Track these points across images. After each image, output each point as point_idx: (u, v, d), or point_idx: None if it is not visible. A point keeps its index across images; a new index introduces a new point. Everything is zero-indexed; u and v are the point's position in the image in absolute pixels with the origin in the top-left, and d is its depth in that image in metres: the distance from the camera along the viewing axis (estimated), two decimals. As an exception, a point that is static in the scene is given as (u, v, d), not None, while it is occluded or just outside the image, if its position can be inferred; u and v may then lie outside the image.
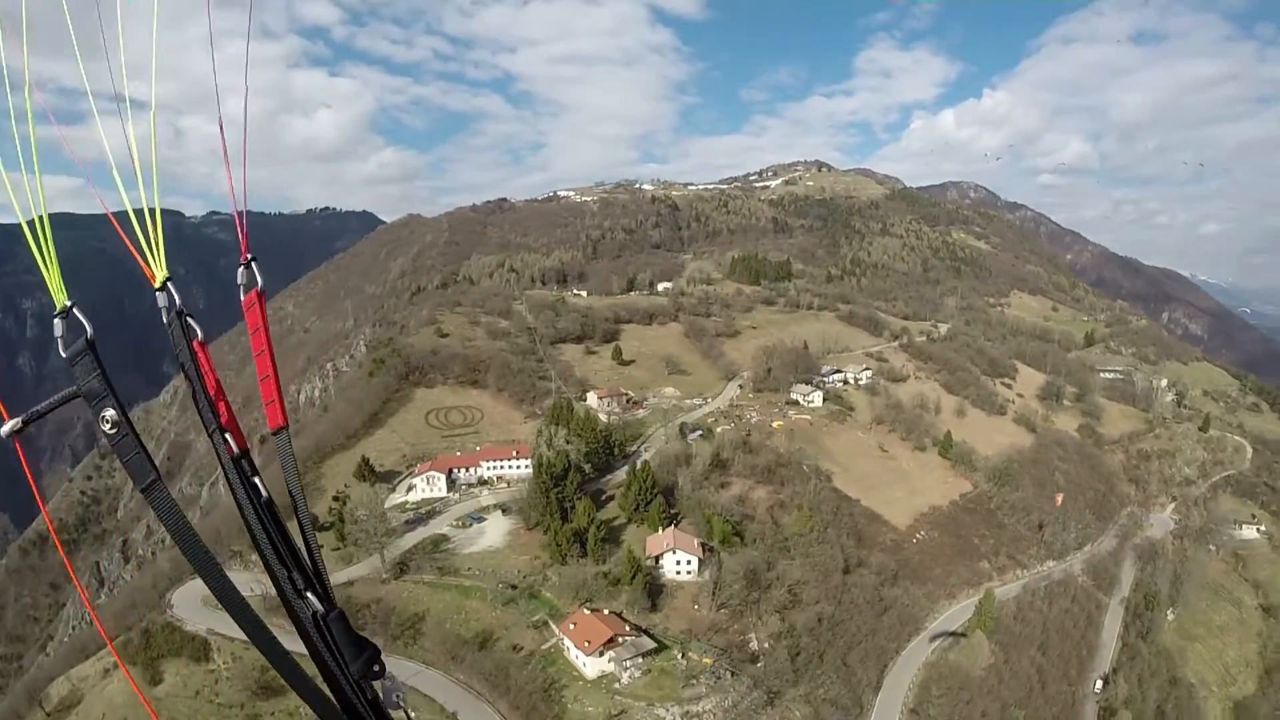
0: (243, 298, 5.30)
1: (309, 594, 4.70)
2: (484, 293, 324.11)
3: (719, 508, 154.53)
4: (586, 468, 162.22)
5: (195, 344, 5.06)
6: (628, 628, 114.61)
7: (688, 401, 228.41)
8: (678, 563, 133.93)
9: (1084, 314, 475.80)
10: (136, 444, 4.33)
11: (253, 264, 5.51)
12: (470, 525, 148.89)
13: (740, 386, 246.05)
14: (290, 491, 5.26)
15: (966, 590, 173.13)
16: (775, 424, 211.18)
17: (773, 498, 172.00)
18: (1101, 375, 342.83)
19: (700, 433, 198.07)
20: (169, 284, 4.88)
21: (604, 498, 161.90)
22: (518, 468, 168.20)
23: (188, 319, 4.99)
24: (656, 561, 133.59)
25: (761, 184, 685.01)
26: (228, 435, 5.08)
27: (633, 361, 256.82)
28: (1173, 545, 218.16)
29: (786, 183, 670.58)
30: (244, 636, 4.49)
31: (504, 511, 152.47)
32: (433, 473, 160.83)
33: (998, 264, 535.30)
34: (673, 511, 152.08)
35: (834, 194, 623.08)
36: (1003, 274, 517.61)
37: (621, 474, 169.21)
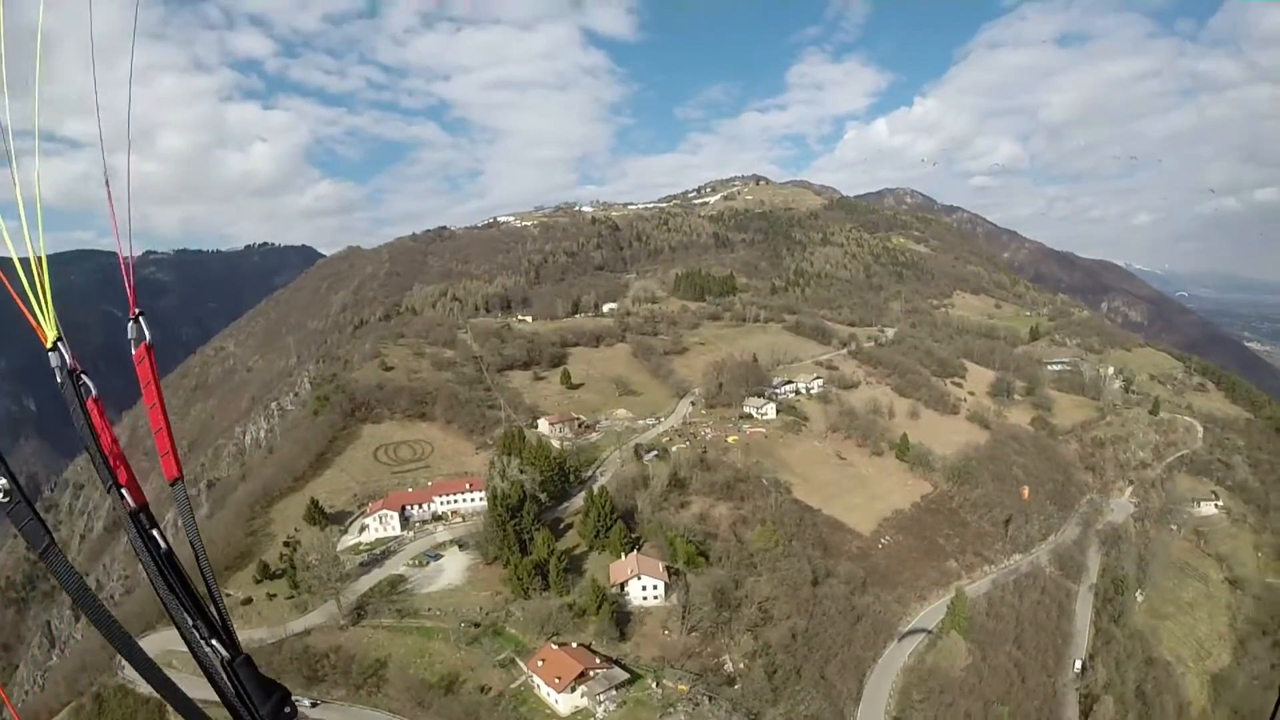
0: (133, 352, 5.33)
1: (214, 641, 4.81)
2: (427, 323, 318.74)
3: (681, 529, 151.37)
4: (542, 496, 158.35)
5: (90, 402, 5.06)
6: (598, 660, 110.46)
7: (640, 422, 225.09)
8: (644, 588, 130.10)
9: (1026, 309, 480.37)
10: (29, 511, 4.44)
11: (140, 319, 5.46)
12: (427, 564, 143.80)
13: (692, 404, 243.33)
14: (190, 542, 5.43)
15: (937, 591, 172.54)
16: (730, 439, 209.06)
17: (734, 514, 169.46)
18: (1049, 368, 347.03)
19: (655, 453, 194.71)
20: (60, 344, 4.80)
21: (562, 526, 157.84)
22: (472, 500, 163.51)
23: (81, 377, 4.98)
24: (622, 589, 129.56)
25: (700, 200, 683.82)
26: (124, 491, 5.18)
27: (582, 385, 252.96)
28: (1135, 528, 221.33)
29: (725, 198, 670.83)
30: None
31: (461, 547, 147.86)
32: (385, 511, 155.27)
33: (939, 266, 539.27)
34: (634, 536, 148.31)
35: (773, 206, 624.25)
36: (944, 276, 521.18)
37: (579, 501, 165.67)
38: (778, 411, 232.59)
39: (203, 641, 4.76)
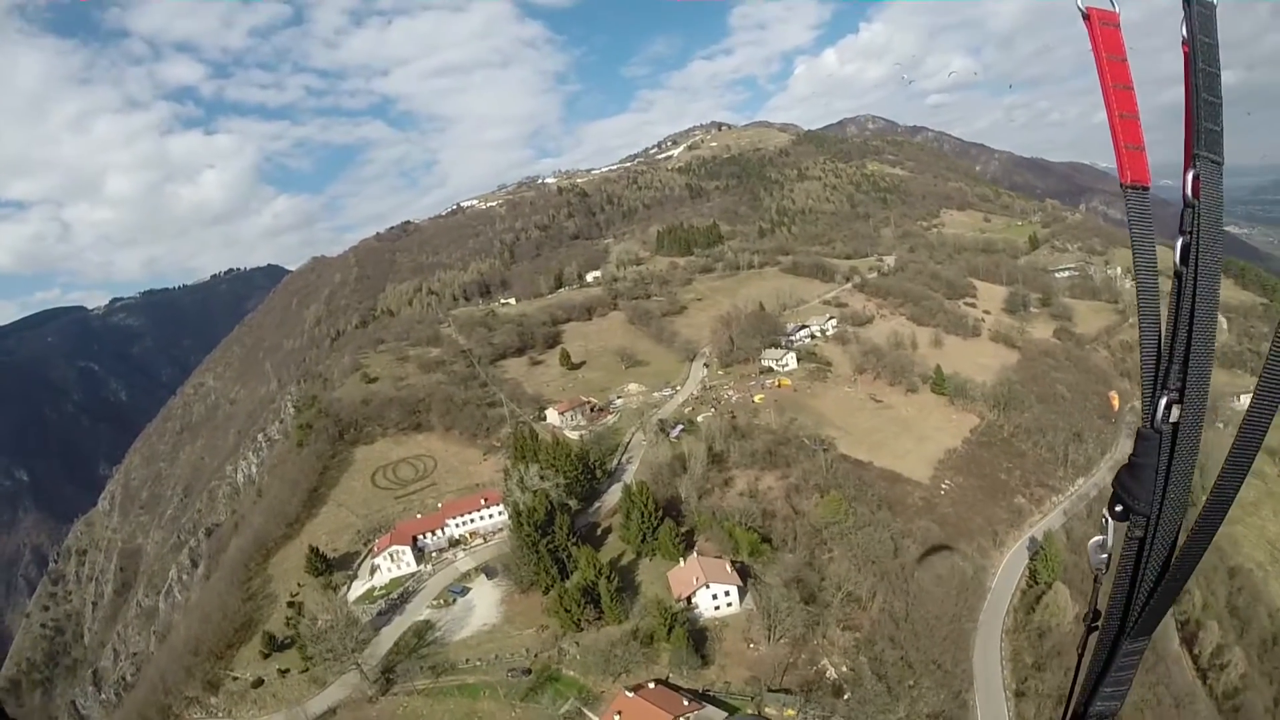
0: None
1: None
2: (406, 323, 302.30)
3: (735, 513, 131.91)
4: (572, 502, 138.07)
5: None
6: (685, 701, 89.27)
7: (656, 395, 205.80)
8: (714, 597, 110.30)
9: (1016, 219, 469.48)
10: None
11: None
12: (454, 601, 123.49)
13: (706, 365, 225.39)
14: None
15: (1012, 534, 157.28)
16: (757, 398, 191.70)
17: (783, 484, 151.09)
18: (1058, 275, 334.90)
19: (681, 427, 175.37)
20: None
21: (600, 532, 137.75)
22: (490, 517, 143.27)
23: None
24: (688, 603, 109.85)
25: (663, 155, 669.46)
26: None
27: (583, 363, 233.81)
28: None
29: (690, 148, 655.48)
30: None
31: (488, 575, 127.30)
32: (395, 547, 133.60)
33: (919, 187, 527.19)
34: (683, 530, 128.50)
35: (740, 150, 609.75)
36: (927, 196, 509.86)
37: (611, 498, 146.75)
38: (798, 360, 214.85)
39: None
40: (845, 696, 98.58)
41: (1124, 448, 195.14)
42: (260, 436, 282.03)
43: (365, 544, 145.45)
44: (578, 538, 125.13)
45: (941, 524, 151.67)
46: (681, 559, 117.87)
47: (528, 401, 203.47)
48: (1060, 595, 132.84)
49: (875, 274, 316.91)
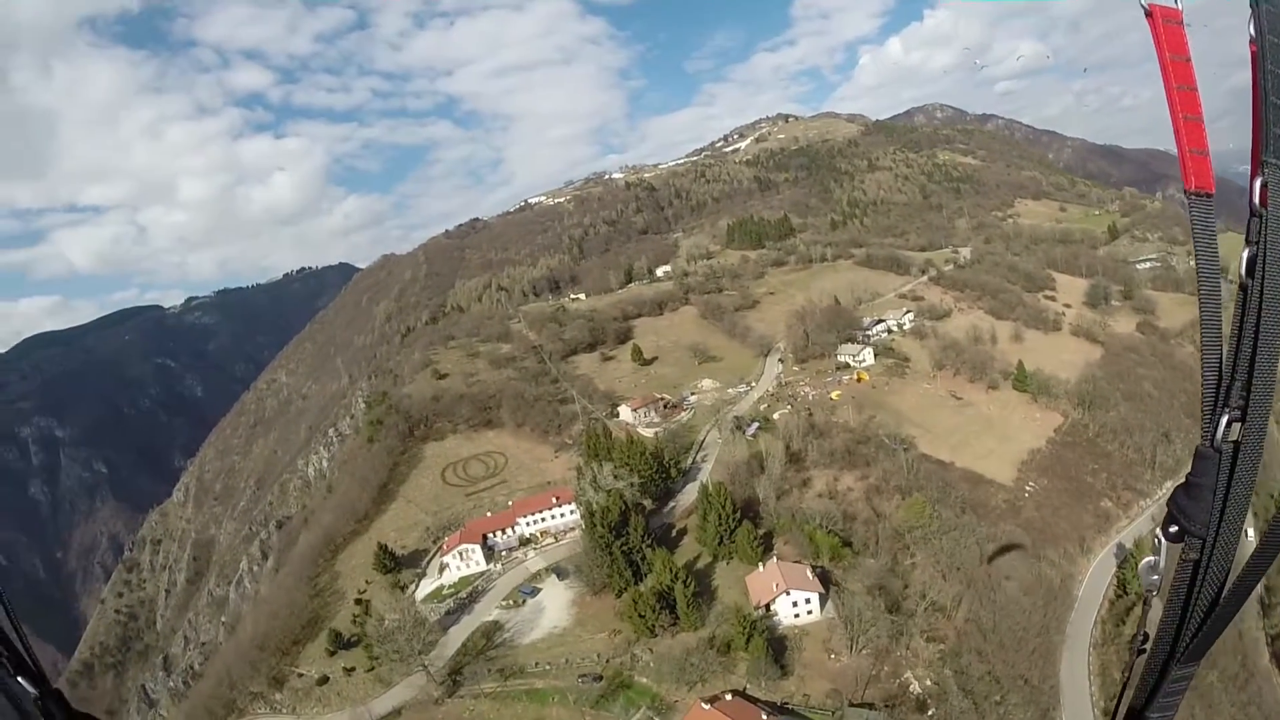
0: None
1: (20, 678, 4.17)
2: (476, 319, 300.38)
3: (815, 516, 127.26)
4: (646, 502, 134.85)
5: None
6: (764, 714, 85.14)
7: (730, 391, 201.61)
8: (794, 604, 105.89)
9: (1093, 208, 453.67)
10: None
11: None
12: (524, 602, 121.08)
13: (780, 360, 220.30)
14: None
15: (1099, 539, 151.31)
16: (834, 395, 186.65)
17: (863, 484, 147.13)
18: (1138, 267, 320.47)
19: (757, 425, 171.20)
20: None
21: (674, 533, 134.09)
22: (561, 516, 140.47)
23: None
24: (767, 610, 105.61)
25: (730, 149, 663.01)
26: None
27: (655, 359, 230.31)
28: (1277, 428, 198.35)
29: (756, 140, 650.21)
30: None
31: (559, 576, 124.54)
32: (464, 546, 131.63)
33: (992, 176, 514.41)
34: (761, 533, 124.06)
35: (808, 141, 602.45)
36: (1001, 185, 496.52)
37: (686, 497, 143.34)
38: (875, 356, 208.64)
39: (9, 678, 4.04)
40: (930, 713, 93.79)
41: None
42: (331, 431, 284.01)
43: (434, 541, 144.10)
44: (652, 539, 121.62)
45: (1026, 528, 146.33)
46: (760, 563, 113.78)
47: (600, 398, 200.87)
48: (1154, 608, 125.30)
49: (951, 266, 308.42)
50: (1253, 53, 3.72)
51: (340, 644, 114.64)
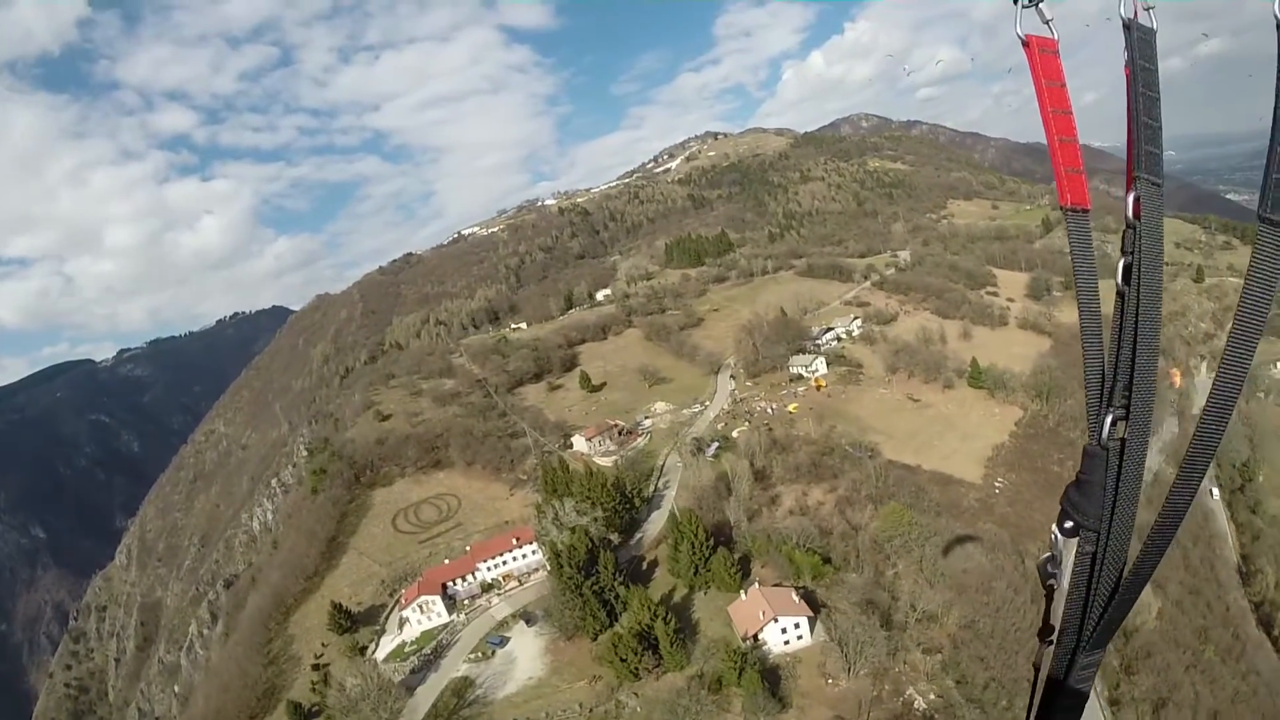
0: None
1: None
2: (416, 355, 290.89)
3: (792, 534, 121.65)
4: (613, 537, 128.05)
5: None
6: None
7: (684, 412, 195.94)
8: (783, 631, 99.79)
9: (1024, 204, 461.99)
10: None
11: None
12: (493, 653, 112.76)
13: (732, 377, 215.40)
14: None
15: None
16: (790, 408, 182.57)
17: (832, 496, 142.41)
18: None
19: (717, 445, 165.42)
20: None
21: (645, 566, 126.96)
22: (524, 557, 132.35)
23: None
24: (755, 640, 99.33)
25: (661, 169, 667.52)
26: None
27: (604, 385, 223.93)
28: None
29: (687, 159, 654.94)
30: None
31: (528, 622, 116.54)
32: (424, 597, 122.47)
33: (923, 180, 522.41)
34: (735, 557, 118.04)
35: (739, 156, 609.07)
36: (932, 188, 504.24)
37: (651, 526, 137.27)
38: (828, 364, 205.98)
39: None
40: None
41: (1171, 428, 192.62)
42: (274, 482, 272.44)
43: (391, 595, 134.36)
44: (624, 576, 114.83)
45: (1002, 525, 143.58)
46: (742, 590, 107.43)
47: (551, 429, 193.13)
48: (1056, 601, 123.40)
49: (892, 270, 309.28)
50: (1127, 75, 3.93)
51: (302, 716, 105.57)
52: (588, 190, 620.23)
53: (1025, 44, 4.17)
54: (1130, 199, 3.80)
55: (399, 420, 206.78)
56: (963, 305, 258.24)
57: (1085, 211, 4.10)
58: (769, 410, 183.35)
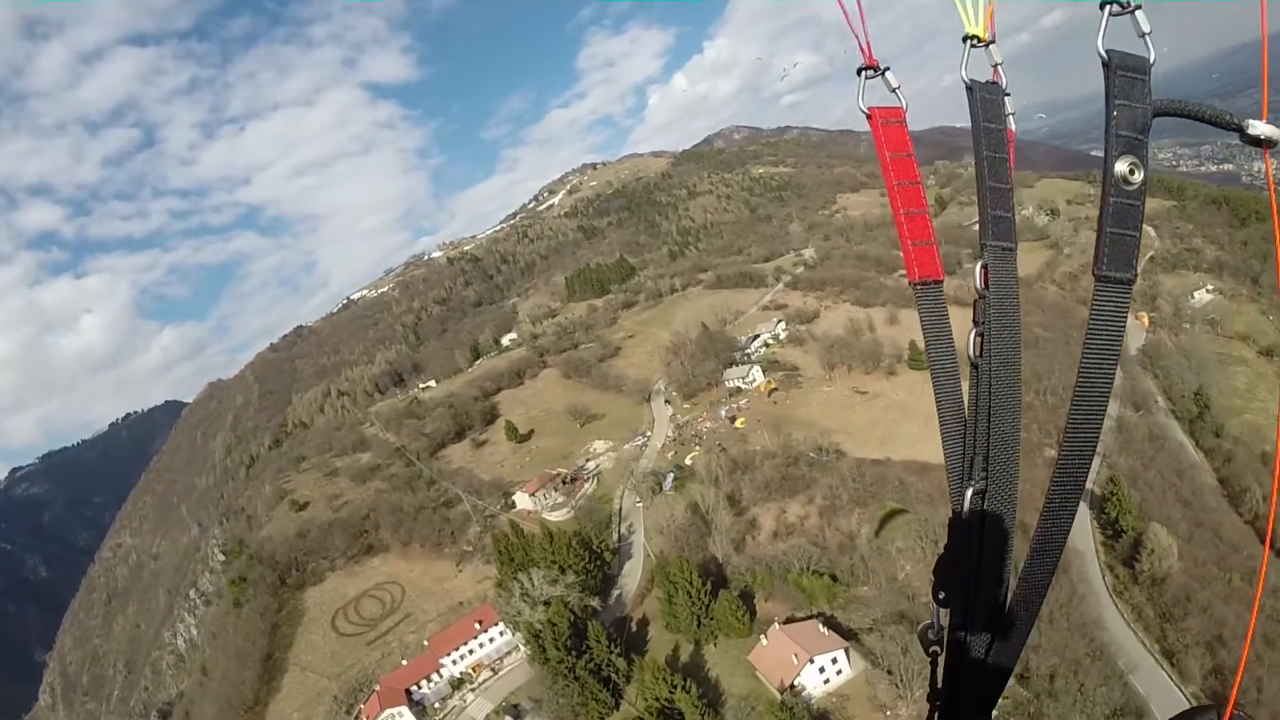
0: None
1: None
2: (324, 432, 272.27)
3: (793, 558, 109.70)
4: (595, 603, 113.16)
5: None
6: None
7: (626, 447, 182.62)
8: (821, 670, 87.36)
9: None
10: None
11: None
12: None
13: (667, 402, 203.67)
14: None
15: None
16: (737, 423, 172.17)
17: (813, 507, 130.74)
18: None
19: (673, 475, 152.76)
20: None
21: (633, 627, 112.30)
22: (491, 641, 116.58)
23: None
24: (792, 690, 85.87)
25: (544, 206, 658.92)
26: None
27: (532, 432, 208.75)
28: (1169, 341, 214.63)
29: (569, 193, 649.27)
30: None
31: (517, 718, 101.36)
32: (388, 711, 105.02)
33: (809, 179, 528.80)
34: (735, 593, 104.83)
35: (622, 182, 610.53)
36: (819, 185, 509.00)
37: (627, 580, 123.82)
38: (764, 372, 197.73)
39: None
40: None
41: (1132, 371, 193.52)
42: (192, 593, 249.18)
43: (349, 712, 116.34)
44: (620, 645, 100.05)
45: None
46: (762, 636, 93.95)
47: (488, 489, 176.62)
48: (1159, 536, 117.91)
49: (801, 268, 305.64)
50: (975, 137, 3.77)
51: None
52: (473, 237, 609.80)
53: (869, 116, 4.01)
54: (978, 268, 3.61)
55: (318, 507, 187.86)
56: (881, 291, 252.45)
57: (938, 283, 3.98)
58: (721, 430, 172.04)
